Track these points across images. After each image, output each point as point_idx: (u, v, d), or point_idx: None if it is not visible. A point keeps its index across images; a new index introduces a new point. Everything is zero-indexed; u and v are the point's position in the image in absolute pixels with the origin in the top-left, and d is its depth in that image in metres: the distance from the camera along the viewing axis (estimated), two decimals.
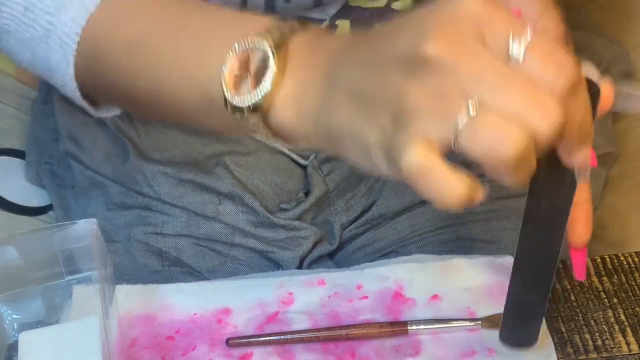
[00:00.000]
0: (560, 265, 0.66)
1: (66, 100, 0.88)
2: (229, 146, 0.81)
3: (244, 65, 0.49)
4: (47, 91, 0.92)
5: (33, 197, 0.88)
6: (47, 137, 0.89)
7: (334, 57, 0.47)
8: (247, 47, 0.49)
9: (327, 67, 0.47)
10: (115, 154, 0.83)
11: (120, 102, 0.65)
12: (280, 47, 0.48)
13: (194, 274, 0.77)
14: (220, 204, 0.79)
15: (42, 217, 0.88)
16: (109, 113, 0.66)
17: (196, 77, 0.53)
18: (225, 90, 0.49)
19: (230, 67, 0.49)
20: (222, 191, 0.79)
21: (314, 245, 0.80)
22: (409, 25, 0.43)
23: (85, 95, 0.62)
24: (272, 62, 0.48)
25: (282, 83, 0.48)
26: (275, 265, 0.78)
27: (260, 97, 0.48)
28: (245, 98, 0.48)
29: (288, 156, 0.84)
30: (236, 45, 0.49)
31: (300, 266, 0.79)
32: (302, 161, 0.84)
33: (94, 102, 0.64)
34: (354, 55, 0.45)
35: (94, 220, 0.59)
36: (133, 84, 0.58)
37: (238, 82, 0.49)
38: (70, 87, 0.60)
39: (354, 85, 0.44)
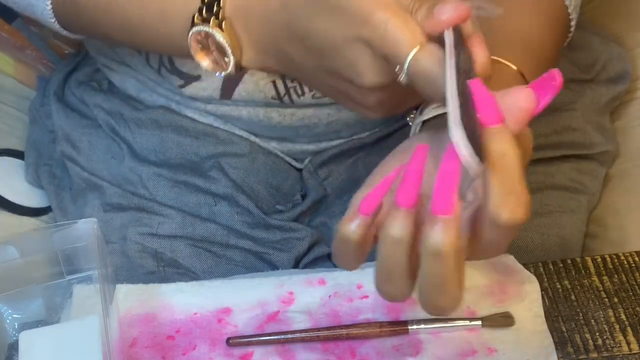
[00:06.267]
0: (561, 265, 0.66)
1: (62, 102, 0.88)
2: (224, 148, 0.81)
3: (204, 39, 0.59)
4: (44, 93, 0.92)
5: (34, 197, 0.88)
6: (46, 139, 0.90)
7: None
8: (199, 30, 0.58)
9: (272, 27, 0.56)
10: (111, 155, 0.83)
11: (94, 35, 0.75)
12: (222, 21, 0.57)
13: (189, 275, 0.77)
14: (215, 205, 0.79)
15: (43, 217, 0.88)
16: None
17: (165, 36, 0.64)
18: (196, 58, 0.60)
19: (193, 46, 0.60)
20: (217, 192, 0.79)
21: (311, 247, 0.80)
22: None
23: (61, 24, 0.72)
24: (228, 50, 0.58)
25: (241, 55, 0.59)
26: (271, 266, 0.78)
27: (226, 73, 0.60)
28: (216, 72, 0.60)
29: (282, 158, 0.84)
30: (190, 33, 0.59)
31: (296, 267, 0.78)
32: (296, 164, 0.84)
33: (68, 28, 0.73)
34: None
35: (94, 219, 0.59)
36: (107, 31, 0.69)
37: (205, 48, 0.60)
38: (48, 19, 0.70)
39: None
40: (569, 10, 0.72)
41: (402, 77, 0.50)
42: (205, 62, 0.60)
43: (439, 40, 0.50)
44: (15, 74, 0.95)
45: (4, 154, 0.90)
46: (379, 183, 0.49)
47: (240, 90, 0.75)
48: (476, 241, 0.48)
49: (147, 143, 0.82)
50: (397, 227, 0.47)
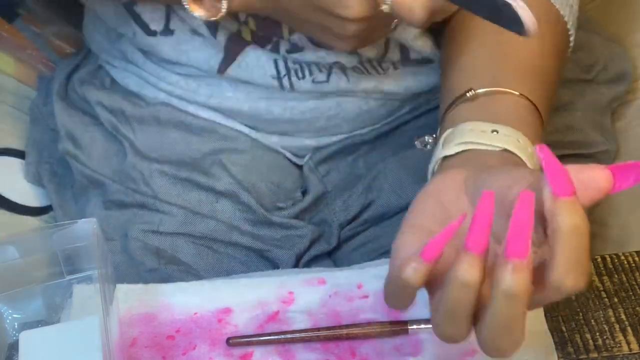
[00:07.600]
0: None
1: (65, 101, 0.89)
2: (225, 144, 0.81)
3: None
4: (46, 92, 0.92)
5: (34, 197, 0.88)
6: (47, 138, 0.90)
7: None
8: None
9: None
10: (113, 153, 0.84)
11: None
12: None
13: (191, 272, 0.77)
14: (217, 202, 0.79)
15: (43, 217, 0.88)
16: None
17: None
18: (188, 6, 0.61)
19: None
20: (218, 189, 0.79)
21: (311, 244, 0.80)
22: None
23: None
24: None
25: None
26: (272, 264, 0.78)
27: (216, 18, 0.61)
28: (204, 15, 0.61)
29: (283, 155, 0.84)
30: None
31: (297, 265, 0.79)
32: (296, 160, 0.84)
33: None
34: None
35: (94, 219, 0.59)
36: None
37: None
38: None
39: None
40: (568, 26, 0.72)
41: (385, 7, 0.55)
42: (197, 11, 0.61)
43: None
44: (16, 74, 0.95)
45: (4, 153, 0.90)
46: (443, 231, 0.48)
47: (240, 61, 0.75)
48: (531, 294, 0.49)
49: (149, 140, 0.82)
50: (469, 272, 0.47)
